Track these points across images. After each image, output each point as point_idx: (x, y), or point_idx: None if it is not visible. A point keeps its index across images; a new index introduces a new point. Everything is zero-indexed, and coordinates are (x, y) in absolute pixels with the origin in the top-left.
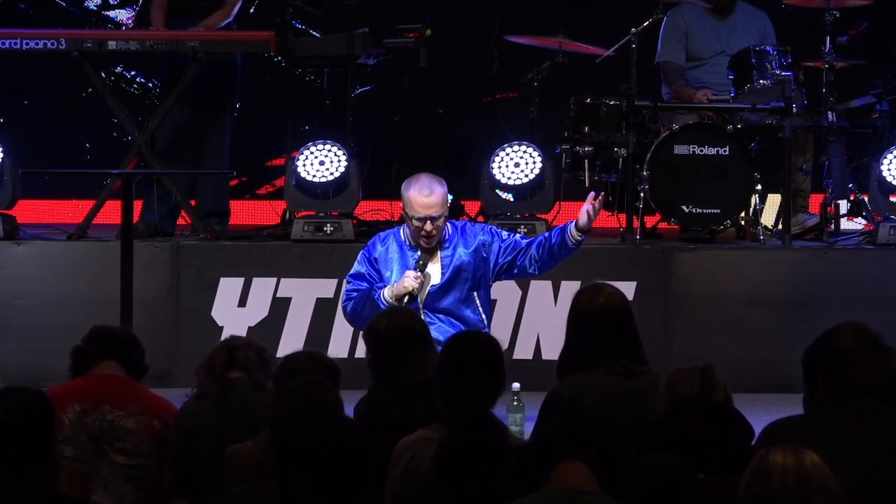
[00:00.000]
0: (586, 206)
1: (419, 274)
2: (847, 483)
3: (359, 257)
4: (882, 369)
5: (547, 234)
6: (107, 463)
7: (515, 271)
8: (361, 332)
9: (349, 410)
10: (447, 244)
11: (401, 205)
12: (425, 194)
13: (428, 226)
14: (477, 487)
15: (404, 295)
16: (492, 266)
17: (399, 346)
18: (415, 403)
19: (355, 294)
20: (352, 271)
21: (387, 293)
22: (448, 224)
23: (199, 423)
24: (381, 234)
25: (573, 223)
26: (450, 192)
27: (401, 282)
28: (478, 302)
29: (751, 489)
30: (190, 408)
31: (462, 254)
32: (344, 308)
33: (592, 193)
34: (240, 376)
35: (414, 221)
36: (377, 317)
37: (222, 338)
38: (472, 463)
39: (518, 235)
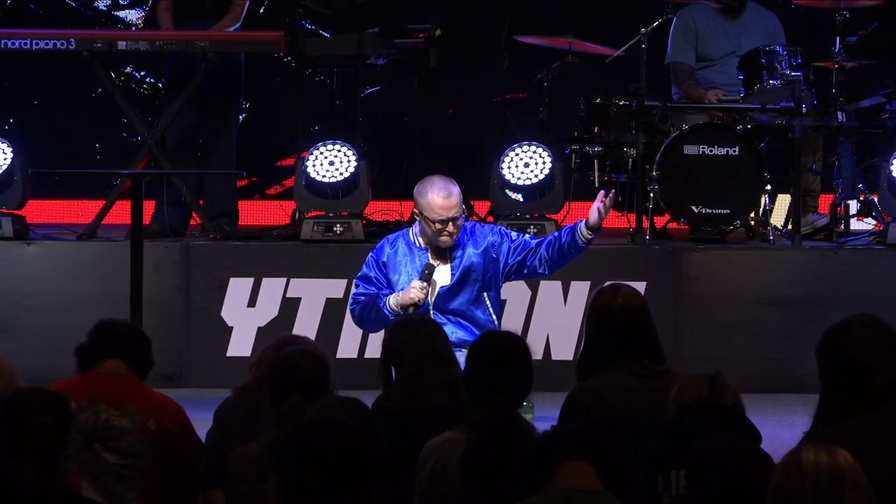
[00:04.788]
0: (597, 204)
1: (425, 284)
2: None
3: (367, 260)
4: None
5: (556, 234)
6: (98, 461)
7: (525, 271)
8: (388, 341)
9: None
10: (457, 245)
11: (412, 205)
12: (444, 196)
13: (450, 227)
14: (503, 488)
15: (409, 305)
16: (501, 266)
17: (433, 348)
18: (438, 397)
19: (363, 298)
20: (360, 274)
21: (392, 301)
22: None
23: (233, 417)
24: (390, 237)
25: (583, 222)
26: None
27: (406, 292)
28: (488, 302)
29: (783, 487)
30: (228, 401)
31: (471, 254)
32: (352, 311)
33: (602, 192)
34: None
35: (436, 225)
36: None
37: (231, 338)
38: (499, 464)
39: (527, 236)
